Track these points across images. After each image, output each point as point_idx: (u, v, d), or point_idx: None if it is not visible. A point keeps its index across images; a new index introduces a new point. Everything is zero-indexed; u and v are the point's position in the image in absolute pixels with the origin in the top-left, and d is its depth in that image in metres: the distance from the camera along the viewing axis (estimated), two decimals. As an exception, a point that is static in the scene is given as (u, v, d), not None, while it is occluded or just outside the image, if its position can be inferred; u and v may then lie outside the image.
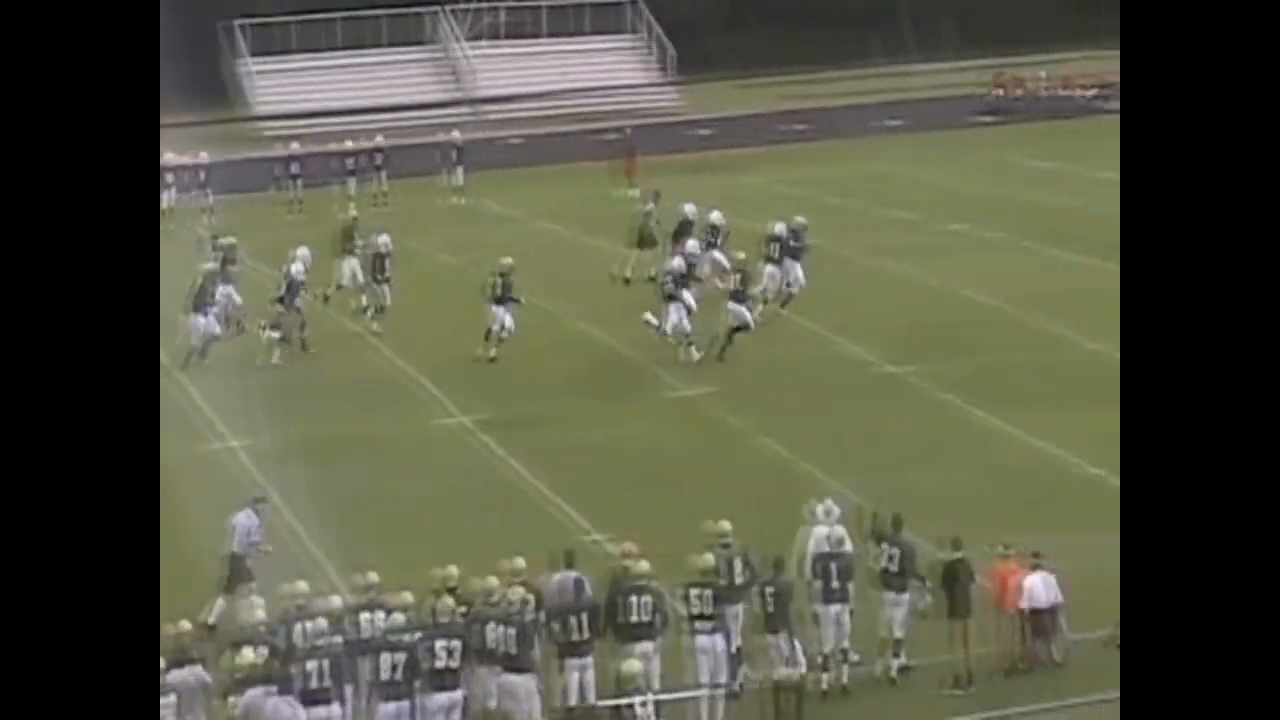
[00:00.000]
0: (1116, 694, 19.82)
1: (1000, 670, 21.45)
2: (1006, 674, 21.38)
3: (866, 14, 76.85)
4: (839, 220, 43.57)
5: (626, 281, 40.36)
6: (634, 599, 20.33)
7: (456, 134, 55.98)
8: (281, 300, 35.79)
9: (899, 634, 21.44)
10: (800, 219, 38.77)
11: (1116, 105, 68.18)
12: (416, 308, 38.42)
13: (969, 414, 31.17)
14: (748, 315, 34.92)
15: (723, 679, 20.41)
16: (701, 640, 20.40)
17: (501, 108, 69.36)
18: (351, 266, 38.67)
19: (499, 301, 35.06)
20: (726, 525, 21.77)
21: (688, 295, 35.00)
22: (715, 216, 39.76)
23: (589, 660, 20.19)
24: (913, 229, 43.78)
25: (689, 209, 40.58)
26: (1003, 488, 26.83)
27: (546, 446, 29.94)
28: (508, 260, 35.80)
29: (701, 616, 20.42)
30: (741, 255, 36.56)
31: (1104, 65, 72.49)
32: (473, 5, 73.30)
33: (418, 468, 29.35)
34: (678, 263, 35.75)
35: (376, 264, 37.96)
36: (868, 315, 37.40)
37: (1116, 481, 27.20)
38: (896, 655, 21.50)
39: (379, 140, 54.71)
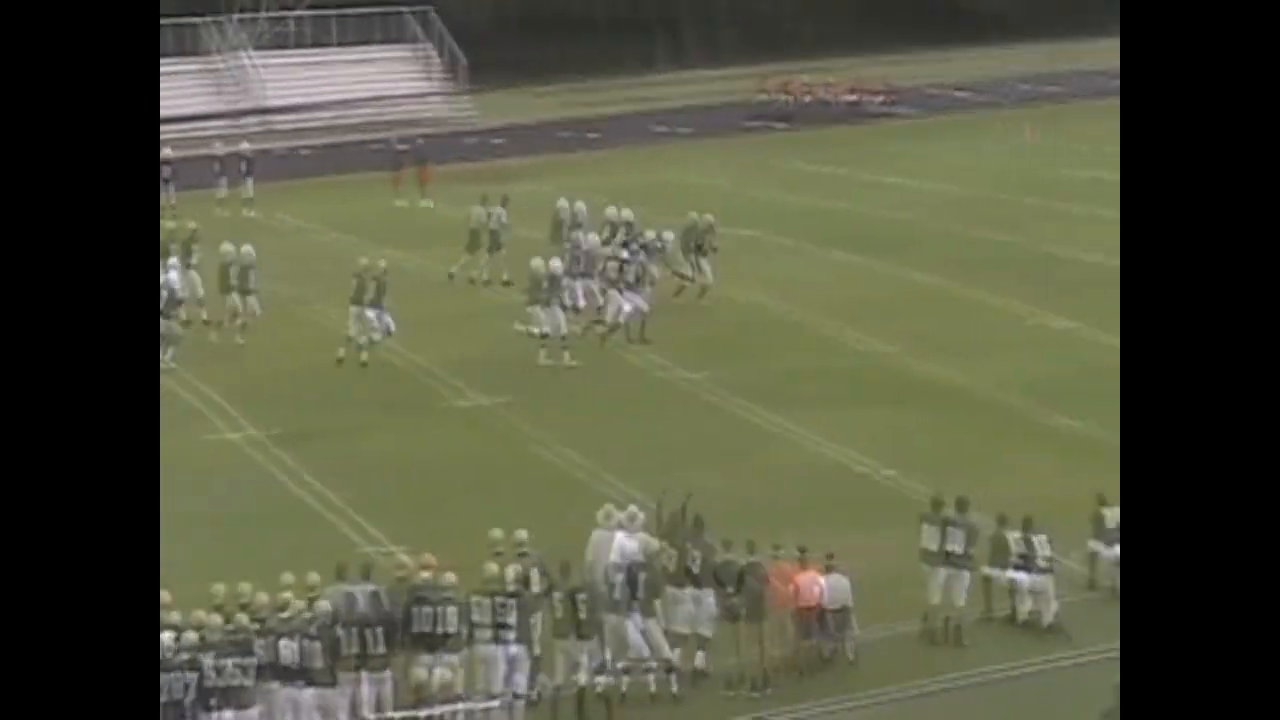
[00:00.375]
0: (906, 691, 20.44)
1: (795, 670, 21.79)
2: (800, 674, 21.71)
3: (653, 21, 77.37)
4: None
5: (482, 282, 40.96)
6: (436, 610, 20.41)
7: (246, 145, 55.34)
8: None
9: (706, 633, 21.74)
10: (709, 217, 39.42)
11: (899, 110, 69.45)
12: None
13: (758, 418, 31.54)
14: (644, 304, 35.99)
15: (523, 688, 20.53)
16: (502, 649, 20.50)
17: (291, 118, 68.75)
18: (192, 280, 38.10)
19: (359, 303, 35.38)
20: (523, 534, 21.92)
21: (577, 291, 35.86)
22: (626, 214, 40.06)
23: (386, 674, 20.21)
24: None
25: (562, 204, 41.44)
26: (792, 490, 27.21)
27: (339, 460, 29.82)
28: (364, 260, 36.37)
29: (503, 625, 20.52)
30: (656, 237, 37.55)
31: (886, 71, 73.72)
32: (262, 14, 72.63)
33: (202, 484, 28.82)
34: (555, 264, 35.90)
35: (241, 276, 37.48)
36: (659, 322, 37.67)
37: (906, 481, 27.90)
38: (702, 649, 21.83)
39: (167, 153, 53.90)
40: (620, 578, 21.34)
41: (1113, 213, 41.83)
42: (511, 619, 20.48)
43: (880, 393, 32.96)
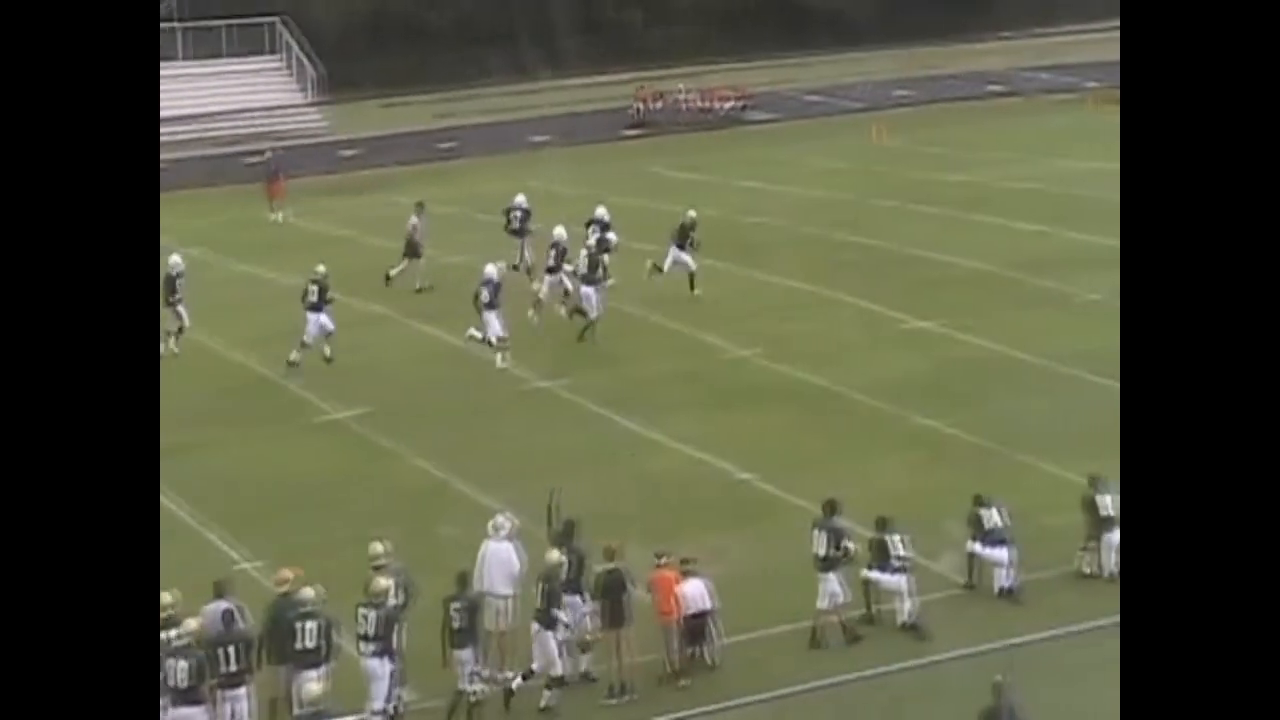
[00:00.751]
0: (769, 694, 20.44)
1: (657, 678, 21.78)
2: (661, 681, 21.71)
3: (507, 31, 77.21)
4: (489, 237, 43.61)
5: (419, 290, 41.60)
6: (299, 625, 20.26)
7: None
8: None
9: (586, 637, 21.80)
10: (692, 213, 40.39)
11: (756, 116, 69.83)
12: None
13: (621, 425, 31.54)
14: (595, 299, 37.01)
15: (380, 703, 20.42)
16: (369, 663, 20.43)
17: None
18: None
19: (315, 309, 35.92)
20: (380, 547, 21.82)
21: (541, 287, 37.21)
22: (600, 211, 41.32)
23: (242, 691, 20.04)
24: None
25: (520, 198, 43.41)
26: (654, 496, 27.22)
27: (196, 475, 29.47)
28: (321, 268, 36.72)
29: (367, 638, 20.43)
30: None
31: (743, 78, 74.11)
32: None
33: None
34: (490, 270, 36.18)
35: (168, 286, 37.25)
36: (519, 331, 37.58)
37: (764, 485, 28.01)
38: (585, 651, 21.91)
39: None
40: (543, 587, 21.37)
41: (966, 214, 42.51)
42: (377, 630, 20.44)
43: (741, 396, 33.08)
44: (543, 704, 21.22)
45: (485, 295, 35.49)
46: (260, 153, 58.36)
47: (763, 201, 47.05)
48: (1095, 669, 20.76)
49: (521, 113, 71.17)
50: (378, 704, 20.39)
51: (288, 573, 21.16)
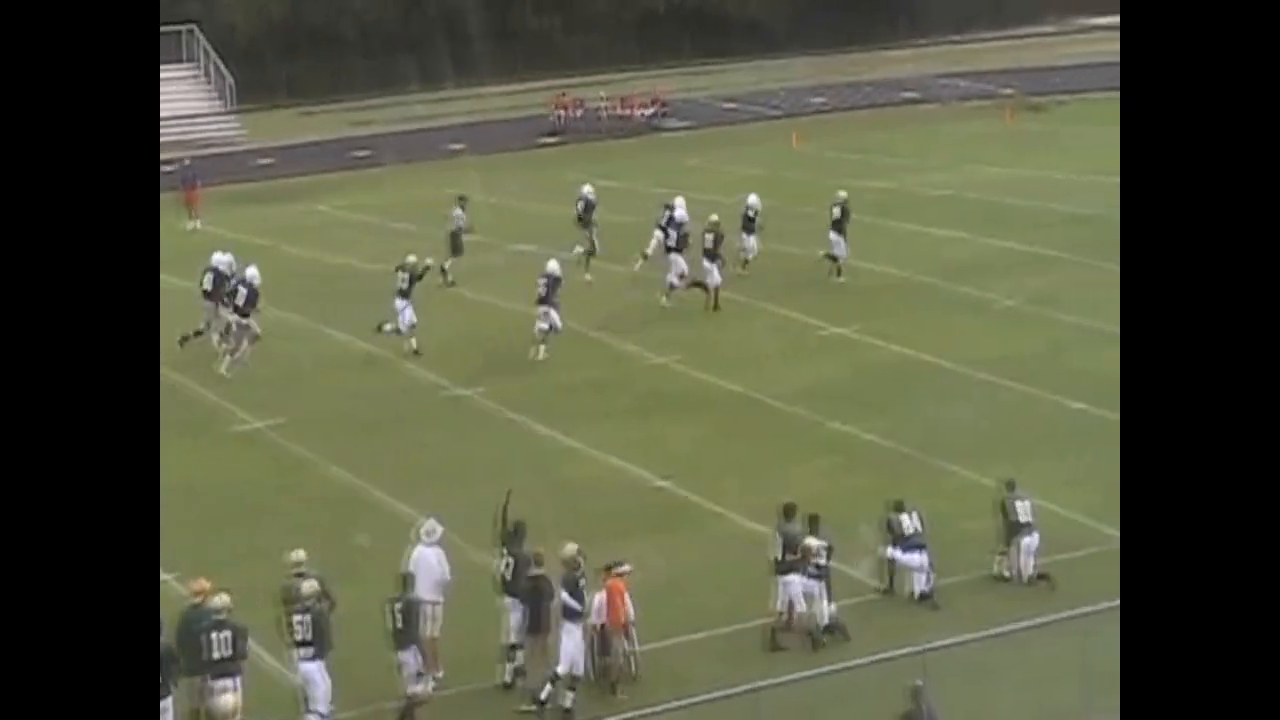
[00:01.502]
0: (687, 700, 20.44)
1: (627, 682, 21.78)
2: (613, 686, 21.64)
3: (428, 39, 77.11)
4: (406, 245, 43.40)
5: (452, 284, 41.91)
6: (211, 635, 20.13)
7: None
8: None
9: (515, 640, 21.80)
10: (754, 197, 41.82)
11: (672, 124, 69.95)
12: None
13: (538, 432, 31.50)
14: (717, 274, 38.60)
15: (325, 705, 20.36)
16: (306, 667, 20.40)
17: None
18: None
19: (404, 296, 36.51)
20: (300, 554, 21.72)
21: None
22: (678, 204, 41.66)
23: (168, 702, 19.84)
24: (480, 251, 44.02)
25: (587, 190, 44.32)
26: (572, 503, 27.12)
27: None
28: (411, 258, 37.25)
29: (302, 643, 20.41)
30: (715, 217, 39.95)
31: (661, 85, 74.22)
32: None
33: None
34: (552, 266, 36.56)
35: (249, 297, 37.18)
36: (436, 338, 37.51)
37: (681, 492, 28.03)
38: (511, 660, 21.86)
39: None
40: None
41: (883, 221, 42.67)
42: (309, 635, 20.40)
43: (659, 403, 33.10)
44: (567, 704, 21.10)
45: (541, 290, 35.94)
46: (175, 161, 57.91)
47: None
48: (1011, 671, 20.91)
49: (438, 120, 71.04)
50: (321, 707, 20.29)
51: (204, 582, 21.02)
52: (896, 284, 40.91)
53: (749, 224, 41.67)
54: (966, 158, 55.75)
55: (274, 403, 33.63)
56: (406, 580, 21.27)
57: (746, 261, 41.61)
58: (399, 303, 36.64)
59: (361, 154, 66.51)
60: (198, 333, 37.18)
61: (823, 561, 22.95)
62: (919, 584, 23.65)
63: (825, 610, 22.85)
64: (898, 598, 23.76)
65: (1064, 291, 39.20)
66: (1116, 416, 30.00)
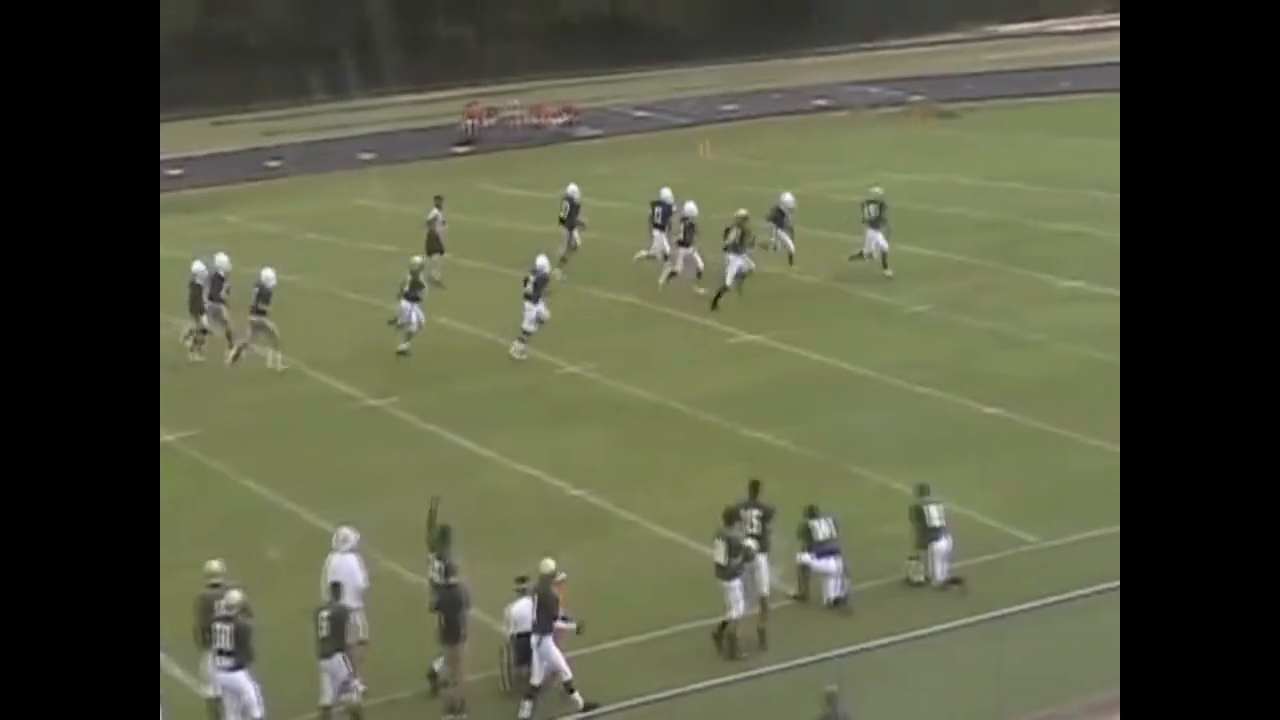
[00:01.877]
0: (599, 711, 20.44)
1: (502, 692, 21.76)
2: (504, 695, 21.65)
3: (340, 48, 76.71)
4: (318, 255, 43.40)
5: (437, 282, 41.44)
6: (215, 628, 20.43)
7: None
8: None
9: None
10: (788, 196, 42.63)
11: (584, 132, 69.96)
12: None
13: (452, 442, 31.42)
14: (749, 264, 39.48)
15: (258, 710, 20.29)
16: (230, 677, 20.37)
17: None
18: None
19: (409, 298, 36.88)
20: (216, 565, 21.63)
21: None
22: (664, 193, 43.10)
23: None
24: (391, 261, 43.84)
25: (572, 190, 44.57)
26: (485, 514, 27.06)
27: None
28: (417, 259, 38.09)
29: (226, 652, 20.44)
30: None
31: (573, 94, 74.21)
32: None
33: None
34: (541, 263, 37.17)
35: (215, 285, 37.63)
36: (348, 350, 37.38)
37: (595, 501, 28.01)
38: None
39: None
40: (536, 598, 21.47)
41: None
42: (230, 645, 20.39)
43: (572, 412, 33.08)
44: (581, 703, 21.06)
45: (529, 286, 36.47)
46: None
47: (593, 218, 47.07)
48: (925, 675, 20.99)
49: (350, 130, 70.72)
50: (256, 712, 20.21)
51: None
52: (808, 290, 41.05)
53: (780, 218, 42.02)
54: (877, 164, 55.94)
55: (186, 415, 33.35)
56: (336, 588, 21.23)
57: (791, 256, 42.23)
58: (404, 304, 36.94)
59: (272, 164, 66.15)
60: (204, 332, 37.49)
61: (755, 530, 23.05)
62: (833, 590, 23.72)
63: (765, 579, 22.99)
64: (812, 604, 23.83)
65: (974, 297, 39.44)
66: (1029, 420, 30.53)
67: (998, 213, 44.61)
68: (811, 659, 20.86)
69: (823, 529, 23.83)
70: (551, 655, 21.26)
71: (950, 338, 36.56)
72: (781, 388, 33.74)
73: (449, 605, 21.51)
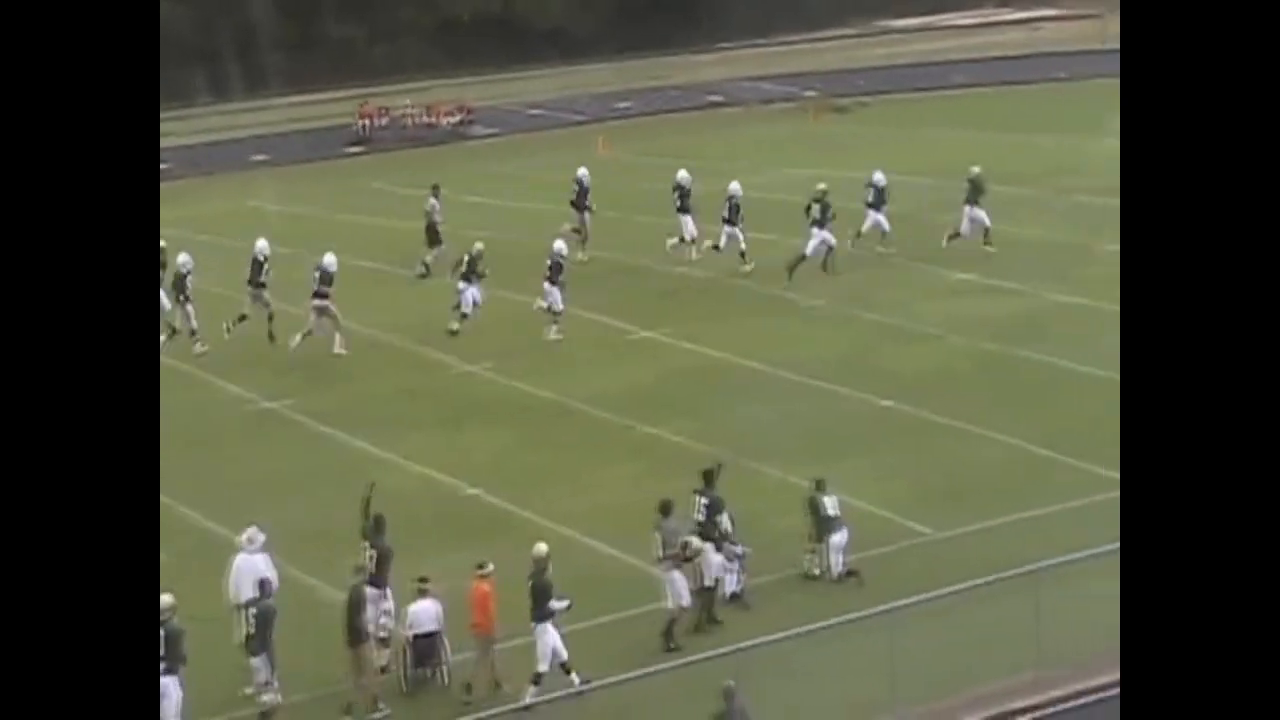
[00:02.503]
0: (501, 709, 20.42)
1: (401, 694, 21.69)
2: (492, 689, 21.58)
3: (229, 49, 76.15)
4: (209, 258, 42.93)
5: (423, 275, 42.68)
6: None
7: None
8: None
9: (383, 635, 21.92)
10: (880, 174, 42.85)
11: (478, 131, 69.78)
12: None
13: (349, 444, 31.27)
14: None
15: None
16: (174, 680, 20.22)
17: None
18: None
19: (466, 279, 37.60)
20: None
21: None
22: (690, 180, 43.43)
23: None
24: (284, 262, 43.56)
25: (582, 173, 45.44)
26: (385, 514, 26.90)
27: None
28: (479, 244, 38.38)
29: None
30: (823, 185, 41.51)
31: (466, 93, 73.98)
32: None
33: None
34: (559, 246, 38.22)
35: (178, 284, 37.78)
36: (242, 352, 37.11)
37: (493, 500, 27.97)
38: (385, 647, 21.99)
39: None
40: (531, 584, 21.61)
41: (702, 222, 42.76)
42: (177, 647, 20.25)
43: (469, 411, 33.01)
44: (577, 683, 21.02)
45: (548, 270, 37.33)
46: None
47: (488, 216, 47.05)
48: (822, 667, 21.11)
49: (241, 132, 70.21)
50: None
51: None
52: (704, 286, 41.13)
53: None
54: (772, 160, 56.18)
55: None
56: (263, 586, 21.21)
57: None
58: (460, 284, 37.65)
59: (163, 166, 65.48)
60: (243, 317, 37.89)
61: (701, 518, 23.13)
62: (730, 584, 23.79)
63: (712, 568, 23.17)
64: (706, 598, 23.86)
65: (869, 290, 39.64)
66: (924, 413, 30.72)
67: (892, 206, 44.74)
68: (709, 654, 20.94)
69: (720, 524, 23.88)
70: (548, 638, 21.31)
71: (845, 332, 36.75)
72: (679, 384, 33.80)
73: (351, 606, 21.42)
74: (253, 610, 20.90)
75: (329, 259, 37.50)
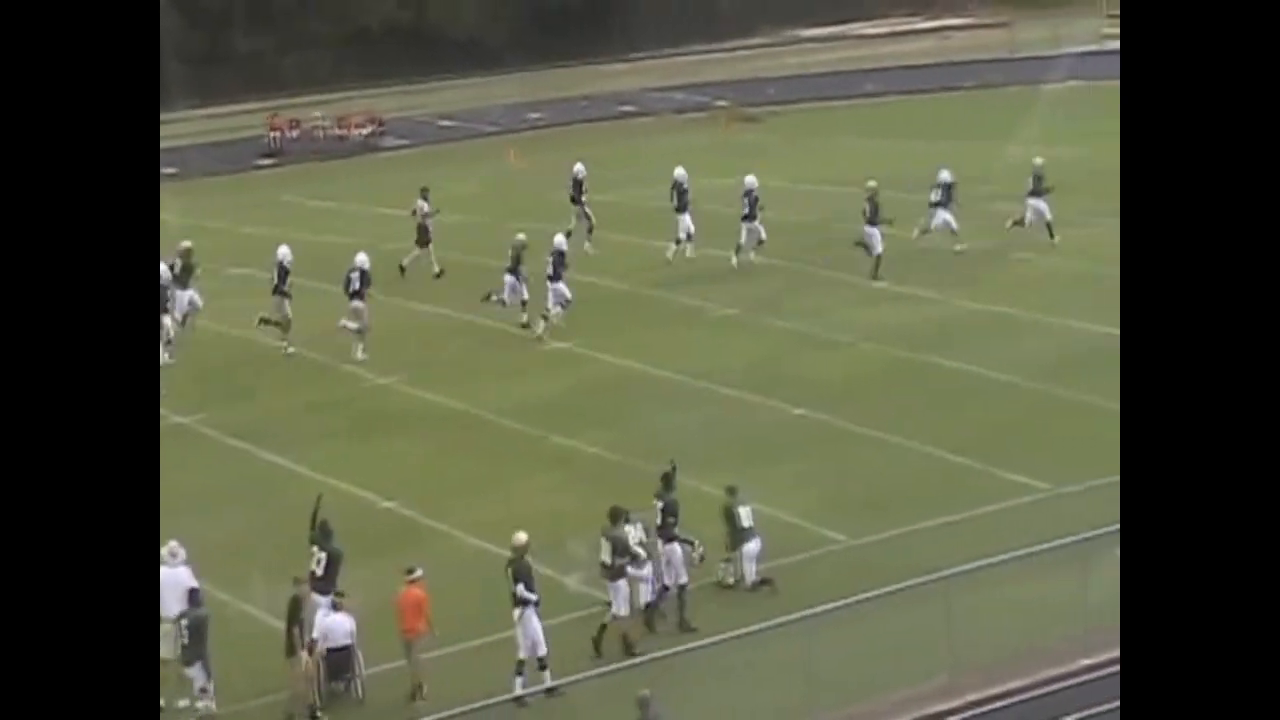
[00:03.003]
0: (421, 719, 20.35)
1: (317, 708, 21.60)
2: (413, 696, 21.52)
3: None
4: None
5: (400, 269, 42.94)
6: None
7: None
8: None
9: (316, 635, 21.80)
10: (947, 172, 42.78)
11: (390, 143, 69.56)
12: None
13: (261, 458, 31.10)
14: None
15: None
16: None
17: None
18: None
19: (512, 271, 38.19)
20: None
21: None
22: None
23: None
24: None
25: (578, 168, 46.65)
26: (297, 529, 26.74)
27: None
28: (521, 236, 38.76)
29: None
30: (873, 183, 41.41)
31: (378, 104, 73.73)
32: None
33: None
34: (558, 240, 38.59)
35: (281, 277, 38.21)
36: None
37: (407, 512, 27.88)
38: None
39: None
40: (510, 571, 21.89)
41: (603, 234, 42.85)
42: None
43: (382, 423, 32.88)
44: (548, 684, 21.14)
45: (549, 268, 37.54)
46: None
47: (400, 228, 46.83)
48: (737, 676, 21.12)
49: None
50: None
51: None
52: (616, 296, 41.14)
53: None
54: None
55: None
56: (192, 595, 21.33)
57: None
58: (507, 278, 38.07)
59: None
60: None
61: (659, 522, 23.44)
62: (644, 594, 23.75)
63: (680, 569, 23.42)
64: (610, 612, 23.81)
65: (782, 298, 39.75)
66: (836, 420, 30.82)
67: (804, 215, 45.01)
68: (625, 664, 20.94)
69: (633, 534, 23.86)
70: (531, 627, 21.43)
71: (758, 340, 36.82)
72: (591, 394, 33.78)
73: (289, 616, 21.44)
74: (185, 621, 21.01)
75: (361, 258, 38.02)
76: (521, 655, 21.41)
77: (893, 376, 33.64)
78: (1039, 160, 43.32)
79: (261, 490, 29.08)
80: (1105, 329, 35.11)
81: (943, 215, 42.78)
